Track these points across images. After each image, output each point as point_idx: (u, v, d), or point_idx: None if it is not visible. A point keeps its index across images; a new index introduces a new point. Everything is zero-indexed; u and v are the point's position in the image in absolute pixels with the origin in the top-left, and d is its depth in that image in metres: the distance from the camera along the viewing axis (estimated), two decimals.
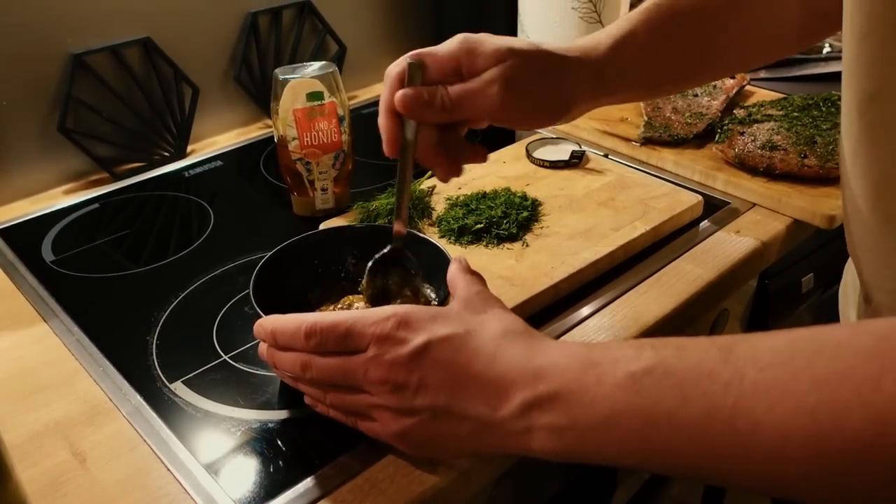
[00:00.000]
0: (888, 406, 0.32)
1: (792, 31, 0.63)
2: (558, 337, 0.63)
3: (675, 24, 0.60)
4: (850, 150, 0.46)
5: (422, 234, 0.64)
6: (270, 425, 0.55)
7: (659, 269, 0.71)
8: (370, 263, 0.59)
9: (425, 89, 0.53)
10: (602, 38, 0.59)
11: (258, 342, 0.54)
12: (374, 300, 0.59)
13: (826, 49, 1.17)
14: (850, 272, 0.61)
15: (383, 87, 0.54)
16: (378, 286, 0.59)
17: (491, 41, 0.53)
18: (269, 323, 0.51)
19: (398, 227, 0.57)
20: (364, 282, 0.59)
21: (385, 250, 0.58)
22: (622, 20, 0.60)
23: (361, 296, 0.61)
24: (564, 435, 0.40)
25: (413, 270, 0.59)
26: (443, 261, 0.59)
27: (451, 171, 0.57)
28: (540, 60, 0.54)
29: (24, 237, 0.81)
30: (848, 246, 0.53)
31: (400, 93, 0.53)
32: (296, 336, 0.48)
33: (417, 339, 0.44)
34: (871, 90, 0.42)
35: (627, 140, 0.91)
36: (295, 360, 0.50)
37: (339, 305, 0.62)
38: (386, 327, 0.45)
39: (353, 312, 0.47)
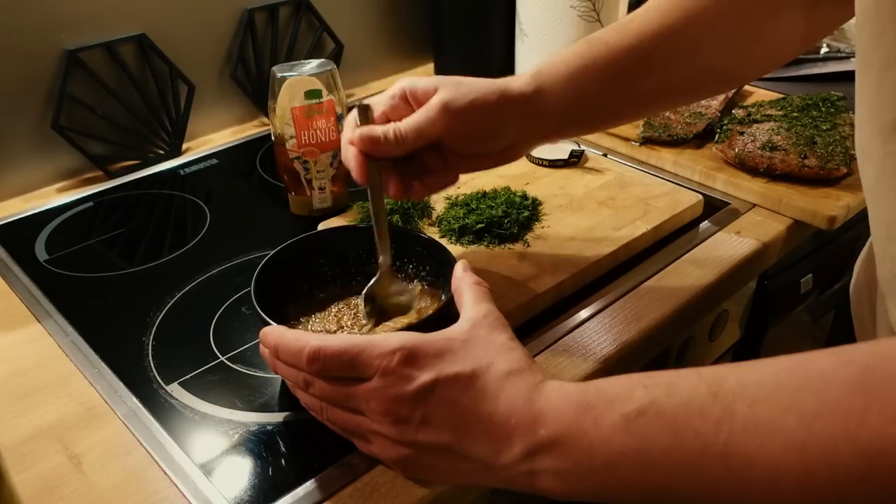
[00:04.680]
0: (875, 440, 0.32)
1: (795, 41, 0.63)
2: (561, 338, 0.62)
3: (610, 63, 0.60)
4: (873, 179, 0.46)
5: (424, 234, 0.64)
6: (269, 428, 0.54)
7: (660, 270, 0.70)
8: (364, 293, 0.60)
9: (378, 126, 0.57)
10: (535, 70, 0.61)
11: (256, 343, 0.53)
12: (378, 320, 0.60)
13: (824, 49, 1.17)
14: (861, 270, 0.61)
15: (344, 131, 0.60)
16: (376, 309, 0.60)
17: (427, 77, 0.59)
18: (272, 337, 0.50)
19: (383, 259, 0.60)
20: (362, 310, 0.60)
21: (373, 281, 0.60)
22: (559, 54, 0.61)
23: (350, 305, 0.62)
24: (568, 477, 0.41)
25: (404, 295, 0.61)
26: (446, 260, 0.59)
27: (400, 191, 0.60)
28: (470, 85, 0.58)
29: (17, 236, 0.80)
30: (877, 268, 0.53)
31: (357, 132, 0.57)
32: (298, 357, 0.47)
33: (424, 377, 0.44)
34: (893, 121, 0.42)
35: (626, 140, 0.91)
36: (297, 375, 0.49)
37: (332, 319, 0.61)
38: (392, 362, 0.44)
39: (359, 340, 0.46)
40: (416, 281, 0.63)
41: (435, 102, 0.56)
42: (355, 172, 0.58)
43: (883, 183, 0.45)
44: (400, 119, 0.58)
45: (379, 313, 0.60)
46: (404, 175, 0.60)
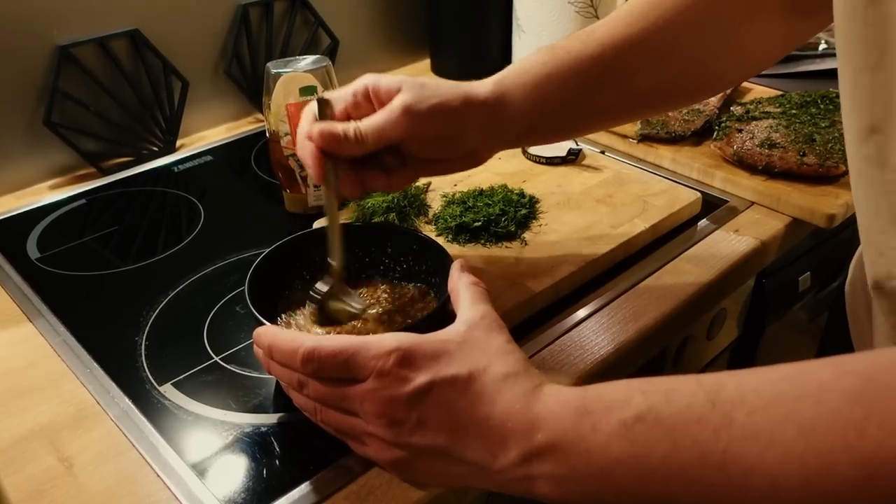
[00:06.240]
0: (874, 452, 0.32)
1: (762, 55, 0.62)
2: (559, 338, 0.62)
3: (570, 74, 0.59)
4: (855, 177, 0.46)
5: (420, 233, 0.63)
6: (263, 429, 0.54)
7: (658, 269, 0.70)
8: (312, 296, 0.57)
9: (339, 123, 0.55)
10: (499, 76, 0.60)
11: (250, 343, 0.52)
12: (325, 323, 0.58)
13: (822, 46, 1.16)
14: (856, 268, 0.61)
15: (300, 123, 0.57)
16: (325, 314, 0.58)
17: (391, 76, 0.57)
18: (266, 337, 0.49)
19: (335, 265, 0.57)
20: (309, 311, 0.58)
21: (326, 288, 0.57)
22: (524, 60, 0.60)
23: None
24: (565, 483, 0.41)
25: (355, 302, 0.58)
26: (443, 259, 0.58)
27: (356, 191, 0.58)
28: (434, 88, 0.56)
29: (8, 234, 0.79)
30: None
31: (315, 127, 0.55)
32: (292, 357, 0.47)
33: (420, 379, 0.44)
34: (866, 126, 0.42)
35: (624, 137, 0.90)
36: (291, 376, 0.49)
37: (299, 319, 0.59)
38: (388, 363, 0.44)
39: (354, 341, 0.45)
40: (410, 285, 0.62)
41: (397, 104, 0.54)
42: (312, 170, 0.56)
43: (860, 187, 0.45)
44: (360, 117, 0.56)
45: (326, 319, 0.57)
46: (361, 173, 0.58)
